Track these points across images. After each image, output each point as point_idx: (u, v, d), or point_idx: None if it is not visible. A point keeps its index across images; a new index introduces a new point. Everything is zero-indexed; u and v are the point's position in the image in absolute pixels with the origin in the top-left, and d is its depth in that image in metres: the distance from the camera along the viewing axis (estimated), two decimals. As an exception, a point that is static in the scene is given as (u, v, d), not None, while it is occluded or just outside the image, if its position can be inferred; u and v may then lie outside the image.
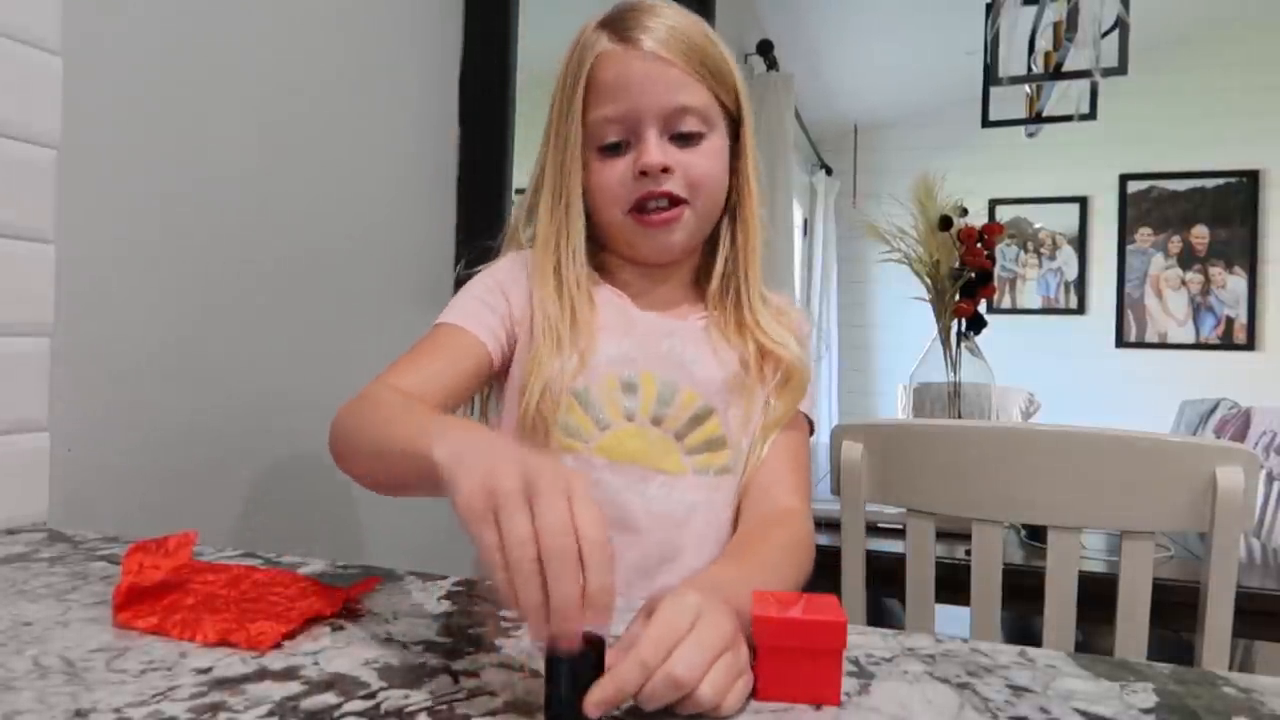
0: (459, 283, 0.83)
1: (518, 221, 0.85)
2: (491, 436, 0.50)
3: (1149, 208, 4.25)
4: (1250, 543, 1.38)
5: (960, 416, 1.71)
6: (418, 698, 0.41)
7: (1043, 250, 4.44)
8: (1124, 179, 4.28)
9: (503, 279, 0.81)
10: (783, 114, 3.12)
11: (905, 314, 3.25)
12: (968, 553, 0.97)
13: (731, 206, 0.82)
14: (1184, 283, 4.20)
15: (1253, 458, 0.87)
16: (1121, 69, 2.13)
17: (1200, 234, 4.17)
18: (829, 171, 4.54)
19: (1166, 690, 0.45)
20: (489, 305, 0.79)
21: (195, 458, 0.90)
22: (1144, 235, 4.26)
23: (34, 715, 0.38)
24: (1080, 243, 4.37)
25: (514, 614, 0.39)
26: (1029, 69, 2.35)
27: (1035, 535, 1.24)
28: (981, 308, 1.74)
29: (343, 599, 0.53)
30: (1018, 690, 0.45)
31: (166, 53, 0.86)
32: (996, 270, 2.85)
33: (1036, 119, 2.62)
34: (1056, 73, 2.25)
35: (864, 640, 0.52)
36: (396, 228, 1.24)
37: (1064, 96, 2.52)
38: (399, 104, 1.24)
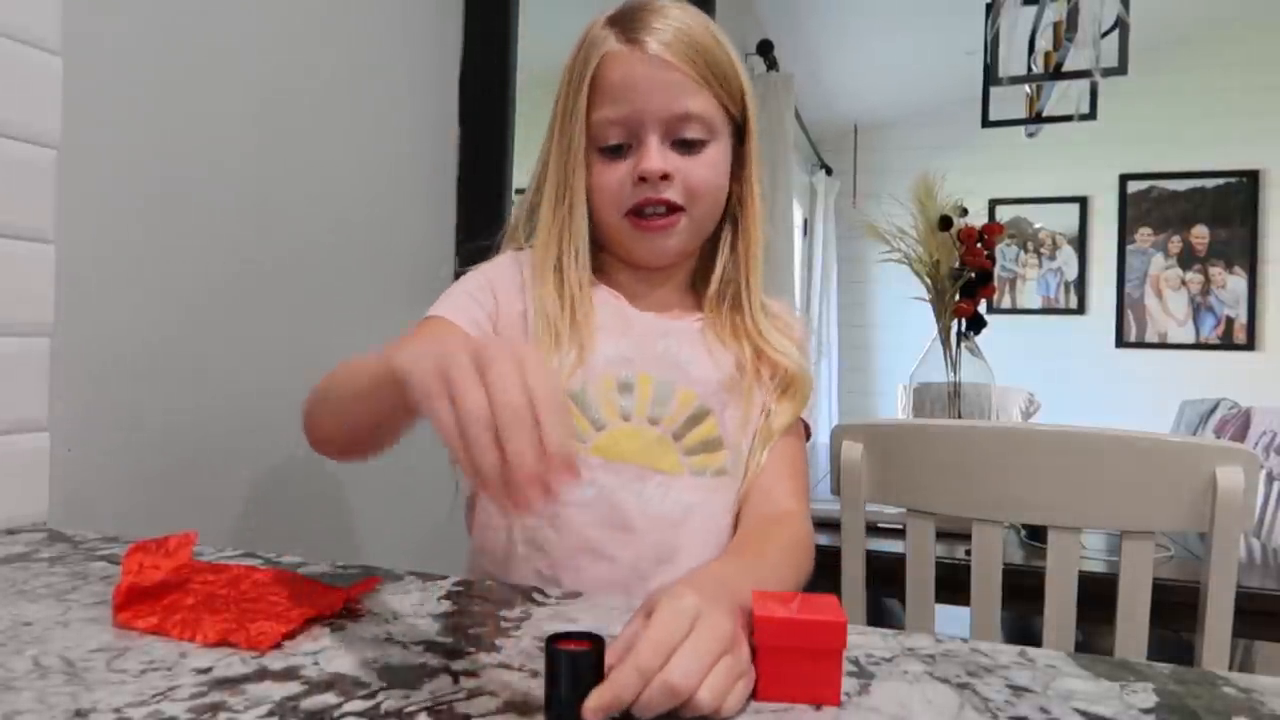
0: (458, 281, 0.83)
1: (518, 219, 0.85)
2: (446, 338, 0.50)
3: (1149, 208, 4.25)
4: (1250, 543, 1.38)
5: (960, 416, 1.71)
6: (418, 698, 0.41)
7: (1043, 250, 4.44)
8: (1124, 179, 4.28)
9: (494, 277, 0.81)
10: (783, 114, 3.12)
11: (905, 314, 3.25)
12: (968, 553, 0.97)
13: (732, 212, 0.82)
14: (1184, 283, 4.20)
15: (1253, 458, 0.87)
16: (1121, 69, 2.13)
17: (1200, 234, 4.17)
18: (829, 171, 4.55)
19: (1166, 690, 0.45)
20: (477, 301, 0.79)
21: (195, 458, 0.90)
22: (1144, 235, 4.26)
23: (34, 715, 0.38)
24: (1080, 243, 4.38)
25: (475, 484, 0.39)
26: (1029, 69, 2.35)
27: (1035, 535, 1.24)
28: (981, 308, 1.74)
29: (343, 599, 0.53)
30: (1018, 690, 0.45)
31: (166, 53, 0.86)
32: (996, 270, 2.85)
33: (1036, 119, 2.62)
34: (1056, 73, 2.25)
35: (864, 640, 0.52)
36: (397, 228, 1.24)
37: (1064, 96, 2.52)
38: (399, 104, 1.24)
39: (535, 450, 0.38)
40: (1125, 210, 4.29)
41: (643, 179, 0.75)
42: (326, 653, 0.46)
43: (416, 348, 0.46)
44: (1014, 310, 4.45)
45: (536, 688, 0.42)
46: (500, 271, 0.81)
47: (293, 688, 0.42)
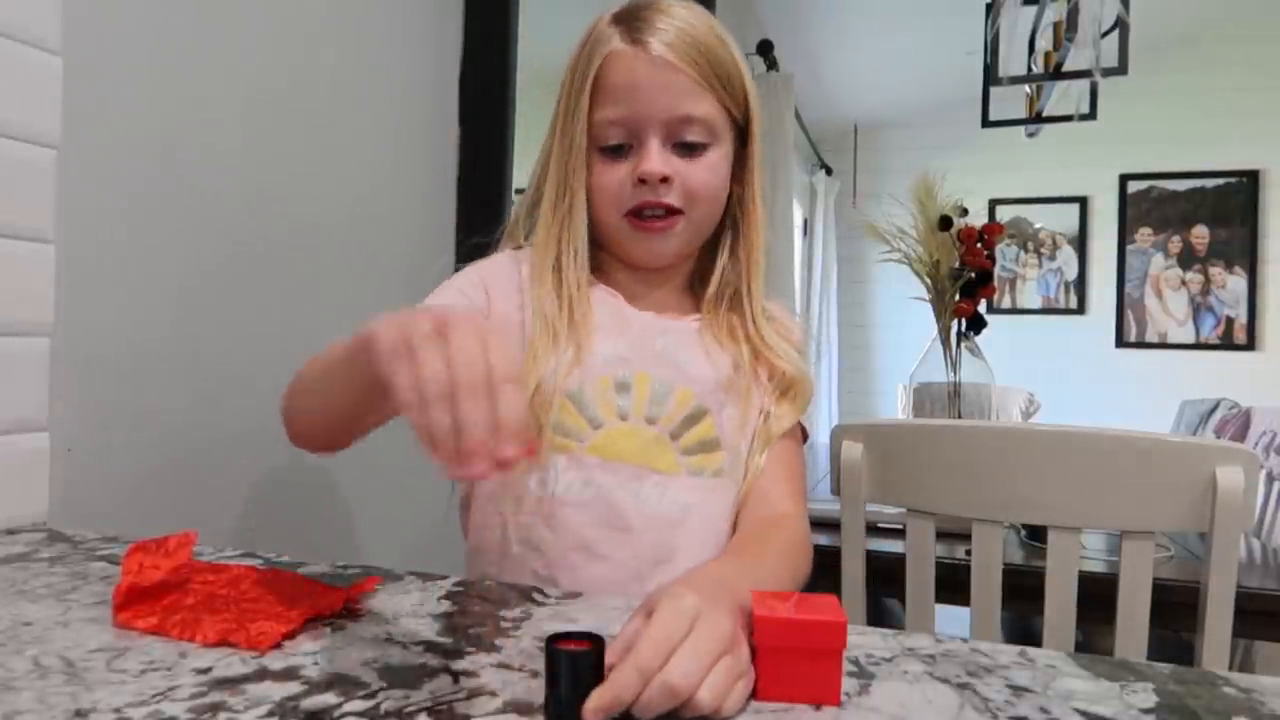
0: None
1: (518, 217, 0.85)
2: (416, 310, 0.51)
3: (1149, 208, 4.25)
4: (1250, 543, 1.38)
5: (960, 416, 1.71)
6: (418, 698, 0.41)
7: (1043, 250, 4.44)
8: (1124, 179, 4.28)
9: (488, 274, 0.81)
10: (783, 114, 3.12)
11: (905, 314, 3.24)
12: (968, 553, 0.97)
13: (732, 214, 0.82)
14: (1184, 283, 4.20)
15: (1253, 458, 0.87)
16: (1121, 69, 2.13)
17: (1200, 234, 4.17)
18: (829, 171, 4.54)
19: (1166, 690, 0.45)
20: (468, 297, 0.78)
21: (195, 457, 0.90)
22: (1144, 235, 4.26)
23: (34, 715, 0.38)
24: (1080, 243, 4.37)
25: (426, 447, 0.40)
26: (1029, 69, 2.35)
27: (1035, 535, 1.24)
28: (981, 308, 1.74)
29: (343, 599, 0.53)
30: (1018, 690, 0.45)
31: (166, 53, 0.86)
32: (996, 270, 2.84)
33: (1036, 119, 2.62)
34: (1056, 73, 2.25)
35: (864, 640, 0.52)
36: (398, 229, 1.24)
37: (1064, 96, 2.52)
38: (399, 104, 1.24)
39: (487, 420, 0.39)
40: (1125, 210, 4.29)
41: (642, 181, 0.74)
42: (326, 653, 0.46)
43: (383, 316, 0.47)
44: (1014, 310, 4.44)
45: (536, 688, 0.42)
46: (496, 269, 0.81)
47: (293, 688, 0.42)
